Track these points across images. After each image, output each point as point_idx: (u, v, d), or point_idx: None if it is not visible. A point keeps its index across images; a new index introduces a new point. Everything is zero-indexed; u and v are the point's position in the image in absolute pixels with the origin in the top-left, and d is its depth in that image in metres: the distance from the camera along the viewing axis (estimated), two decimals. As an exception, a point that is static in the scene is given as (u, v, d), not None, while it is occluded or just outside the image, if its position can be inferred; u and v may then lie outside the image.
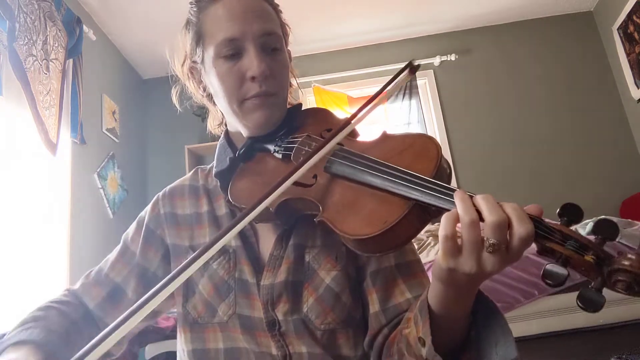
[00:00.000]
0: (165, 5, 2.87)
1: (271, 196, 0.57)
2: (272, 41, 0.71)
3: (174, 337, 0.81)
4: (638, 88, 3.20)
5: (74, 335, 0.70)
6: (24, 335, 0.64)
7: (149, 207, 0.83)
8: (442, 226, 0.46)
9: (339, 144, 0.66)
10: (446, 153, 3.51)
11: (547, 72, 3.59)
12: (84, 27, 2.61)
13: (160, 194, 0.84)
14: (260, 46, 0.69)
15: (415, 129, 3.54)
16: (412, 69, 0.66)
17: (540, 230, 0.44)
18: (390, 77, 0.66)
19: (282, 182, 0.57)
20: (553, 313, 2.24)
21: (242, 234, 0.75)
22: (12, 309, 1.93)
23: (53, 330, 0.67)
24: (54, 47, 2.29)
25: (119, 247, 0.82)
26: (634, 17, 3.10)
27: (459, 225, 0.46)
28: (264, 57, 0.69)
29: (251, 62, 0.68)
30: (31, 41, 2.10)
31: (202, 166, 0.87)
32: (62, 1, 2.43)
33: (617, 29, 3.31)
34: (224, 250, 0.74)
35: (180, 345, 0.77)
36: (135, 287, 0.78)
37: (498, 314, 0.54)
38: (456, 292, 0.50)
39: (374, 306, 0.70)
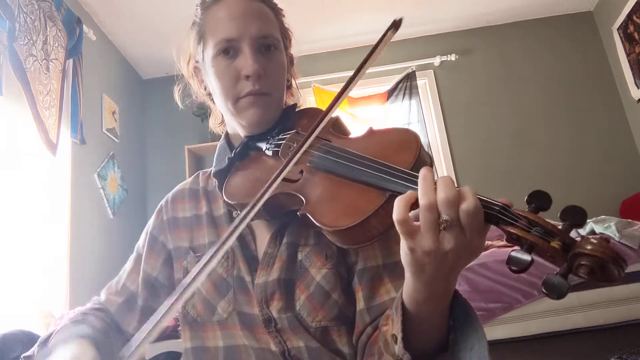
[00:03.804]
0: (165, 5, 2.87)
1: (265, 195, 0.57)
2: (268, 43, 0.73)
3: (174, 337, 0.83)
4: (638, 88, 3.20)
5: (113, 335, 0.75)
6: (74, 331, 0.66)
7: (153, 215, 0.86)
8: (394, 211, 0.46)
9: (326, 139, 0.67)
10: (446, 153, 3.52)
11: (547, 72, 3.59)
12: (84, 27, 2.61)
13: (163, 201, 0.87)
14: (256, 47, 0.72)
15: (415, 128, 3.53)
16: (396, 25, 0.68)
17: (505, 217, 0.44)
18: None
19: (272, 181, 0.57)
20: (553, 313, 2.24)
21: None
22: (13, 309, 1.93)
23: (96, 328, 0.71)
24: (54, 47, 2.29)
25: (132, 256, 0.86)
26: (634, 17, 3.10)
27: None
28: (258, 57, 0.71)
29: (246, 61, 0.70)
30: (31, 41, 2.11)
31: (203, 170, 0.90)
32: (62, 1, 2.43)
33: (617, 29, 3.31)
34: None
35: (182, 344, 0.80)
36: (146, 296, 0.81)
37: (475, 319, 0.54)
38: (427, 285, 0.50)
39: (359, 304, 0.70)
